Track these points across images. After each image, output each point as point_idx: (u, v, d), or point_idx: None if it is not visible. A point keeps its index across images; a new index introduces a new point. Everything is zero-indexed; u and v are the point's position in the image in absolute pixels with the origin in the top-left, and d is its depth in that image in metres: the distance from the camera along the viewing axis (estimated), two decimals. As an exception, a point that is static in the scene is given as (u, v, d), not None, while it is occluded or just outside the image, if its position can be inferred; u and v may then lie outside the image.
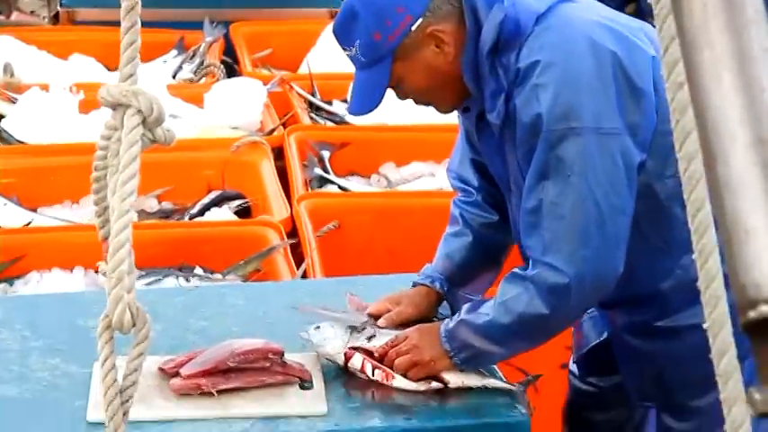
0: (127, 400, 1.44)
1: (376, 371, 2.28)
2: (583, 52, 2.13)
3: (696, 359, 2.31)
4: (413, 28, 2.18)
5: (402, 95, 2.29)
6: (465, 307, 2.29)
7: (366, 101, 2.25)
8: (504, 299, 2.21)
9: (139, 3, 1.47)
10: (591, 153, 2.12)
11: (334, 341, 2.32)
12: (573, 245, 2.14)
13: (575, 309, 2.24)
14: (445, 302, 2.46)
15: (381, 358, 2.30)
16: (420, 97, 2.29)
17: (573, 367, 2.64)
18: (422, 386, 2.26)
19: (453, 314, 2.39)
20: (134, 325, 1.44)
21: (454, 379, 2.27)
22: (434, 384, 2.26)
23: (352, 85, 2.28)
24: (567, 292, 2.16)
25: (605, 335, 2.46)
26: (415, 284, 2.48)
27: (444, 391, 2.26)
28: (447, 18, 2.20)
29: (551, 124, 2.12)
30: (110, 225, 1.44)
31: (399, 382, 2.27)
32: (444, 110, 2.34)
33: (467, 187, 2.50)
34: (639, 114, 2.15)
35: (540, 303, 2.17)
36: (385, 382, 2.27)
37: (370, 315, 2.42)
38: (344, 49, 2.24)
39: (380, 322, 2.40)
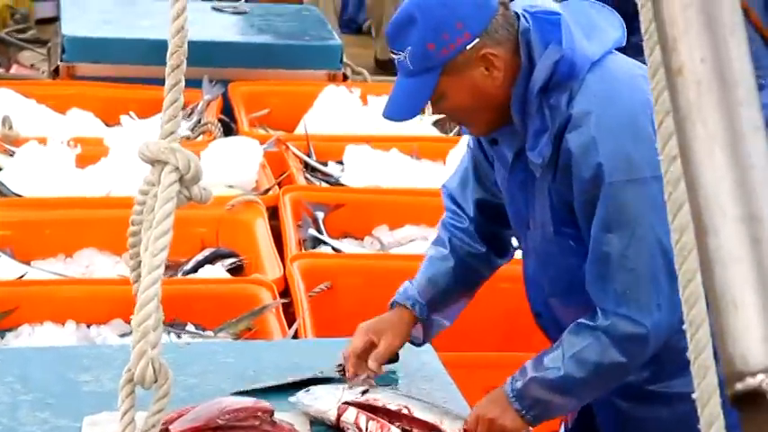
0: (144, 456, 1.45)
1: (371, 422, 2.28)
2: (635, 103, 2.17)
3: (683, 428, 2.33)
4: (468, 46, 2.19)
5: (439, 110, 2.31)
6: (529, 364, 2.28)
7: (404, 109, 2.25)
8: (573, 351, 2.22)
9: (184, 62, 1.50)
10: (655, 201, 2.12)
11: (325, 398, 2.33)
12: (647, 296, 2.18)
13: (650, 352, 2.25)
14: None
15: (374, 409, 2.29)
16: (457, 115, 2.31)
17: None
18: None
19: (424, 338, 2.47)
20: (155, 380, 1.45)
21: None
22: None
23: (392, 89, 2.26)
24: (645, 340, 2.19)
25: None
26: (394, 304, 2.49)
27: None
28: (502, 44, 2.21)
29: (613, 176, 2.15)
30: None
31: None
32: (477, 132, 2.35)
33: (458, 210, 2.52)
34: None
35: (615, 353, 2.20)
36: None
37: (345, 353, 2.44)
38: (393, 52, 2.24)
39: (370, 363, 2.41)
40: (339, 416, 2.29)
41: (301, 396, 2.33)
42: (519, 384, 2.27)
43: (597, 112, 2.17)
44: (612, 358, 2.20)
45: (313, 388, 2.36)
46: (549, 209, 2.27)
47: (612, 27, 2.29)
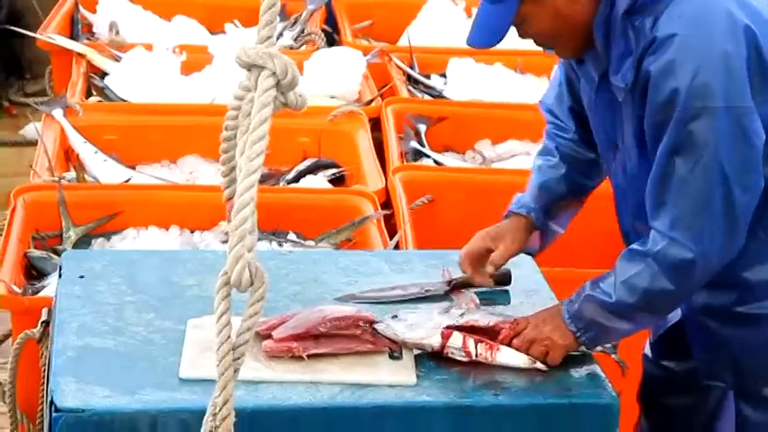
0: (238, 357, 1.46)
1: (479, 345, 2.25)
2: (722, 30, 2.13)
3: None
4: None
5: (524, 34, 2.27)
6: (585, 285, 2.28)
7: (487, 35, 2.24)
8: (625, 277, 2.22)
9: None
10: (725, 132, 2.13)
11: (423, 325, 2.28)
12: (701, 222, 2.16)
13: (699, 283, 2.25)
14: None
15: (477, 330, 2.27)
16: (542, 40, 2.29)
17: (647, 350, 2.63)
18: (527, 362, 2.25)
19: (541, 246, 2.47)
20: (251, 284, 1.45)
21: None
22: (540, 365, 2.24)
23: (475, 16, 2.26)
24: (692, 268, 2.19)
25: (680, 315, 2.45)
26: (509, 214, 2.50)
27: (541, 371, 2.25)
28: None
29: (688, 101, 2.12)
30: (235, 185, 1.45)
31: (504, 354, 2.25)
32: (563, 54, 2.35)
33: (558, 122, 2.52)
34: (764, 95, 2.16)
35: (664, 280, 2.19)
36: (489, 356, 2.24)
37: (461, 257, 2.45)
38: None
39: (488, 267, 2.44)
40: (444, 342, 2.25)
41: (393, 324, 2.28)
42: (575, 306, 2.27)
43: (681, 33, 2.13)
44: (662, 285, 2.19)
45: (402, 313, 2.32)
46: (632, 133, 2.25)
47: None
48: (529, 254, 2.55)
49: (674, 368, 2.56)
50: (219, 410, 1.47)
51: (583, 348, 2.28)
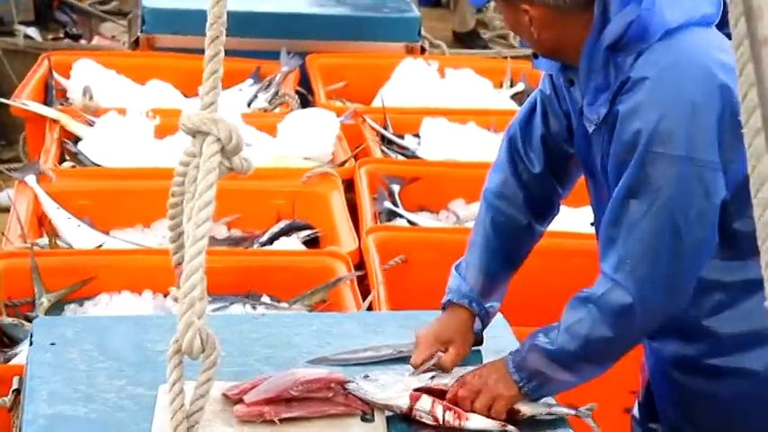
0: (193, 425, 1.46)
1: (447, 412, 2.24)
2: (695, 82, 2.13)
3: (740, 405, 2.30)
4: None
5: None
6: (529, 336, 2.29)
7: None
8: (567, 324, 2.22)
9: (224, 33, 1.50)
10: (682, 182, 2.13)
11: (393, 386, 2.28)
12: (645, 268, 2.16)
13: (638, 331, 2.25)
14: None
15: (452, 401, 2.27)
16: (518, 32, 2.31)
17: (635, 411, 2.62)
18: (497, 427, 2.24)
19: (482, 328, 2.44)
20: (203, 351, 1.45)
21: (525, 408, 2.26)
22: (510, 428, 2.23)
23: None
24: (632, 313, 2.17)
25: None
26: (449, 303, 2.46)
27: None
28: (553, 9, 2.18)
29: (650, 144, 2.12)
30: (183, 251, 1.46)
31: (473, 422, 2.24)
32: (537, 50, 2.32)
33: (509, 160, 2.48)
34: (736, 153, 2.13)
35: (604, 326, 2.19)
36: (457, 424, 2.23)
37: (415, 364, 2.40)
38: None
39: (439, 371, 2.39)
40: (412, 404, 2.25)
41: (363, 383, 2.28)
42: (520, 356, 2.27)
43: (653, 78, 2.14)
44: (601, 332, 2.19)
45: (373, 374, 2.32)
46: (600, 166, 2.26)
47: (706, 1, 2.23)
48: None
49: (660, 431, 2.53)
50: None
51: (536, 410, 2.27)
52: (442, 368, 2.39)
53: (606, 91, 2.20)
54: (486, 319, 2.49)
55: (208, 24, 1.47)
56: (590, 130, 2.25)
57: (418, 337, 2.44)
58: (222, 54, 1.46)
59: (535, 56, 2.35)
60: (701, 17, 2.21)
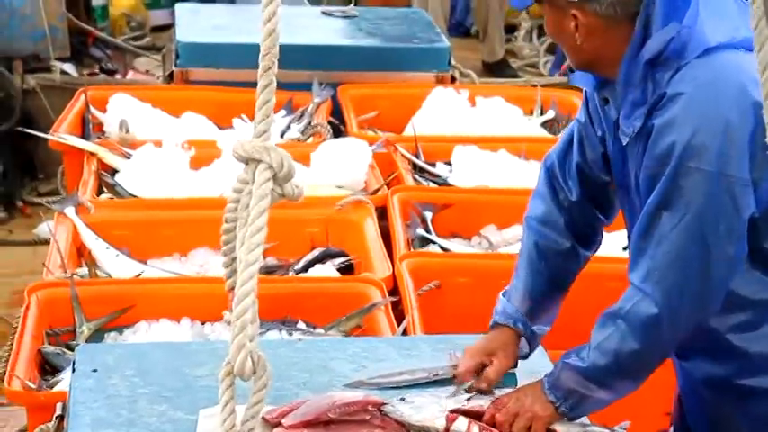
0: (245, 446, 1.49)
1: None
2: (730, 99, 2.16)
3: (766, 423, 2.31)
4: None
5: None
6: (562, 357, 2.31)
7: None
8: (597, 341, 2.25)
9: (276, 64, 1.54)
10: (713, 198, 2.15)
11: (429, 407, 2.30)
12: (673, 279, 2.18)
13: (666, 343, 2.27)
14: None
15: (489, 422, 2.29)
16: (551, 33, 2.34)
17: (671, 432, 2.63)
18: None
19: (531, 349, 2.46)
20: (254, 372, 1.49)
21: (561, 429, 2.28)
22: None
23: None
24: (659, 324, 2.20)
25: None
26: (496, 325, 2.50)
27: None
28: (604, 18, 2.22)
29: (683, 159, 2.15)
30: (236, 276, 1.50)
31: None
32: (569, 61, 2.36)
33: (549, 188, 2.52)
34: (767, 171, 2.17)
35: (632, 339, 2.21)
36: None
37: (459, 373, 2.43)
38: None
39: (483, 384, 2.42)
40: (448, 426, 2.27)
41: (399, 405, 2.31)
42: (554, 376, 2.30)
43: (689, 94, 2.17)
44: (630, 345, 2.21)
45: (409, 396, 2.35)
46: (635, 181, 2.28)
47: (747, 26, 2.25)
48: (521, 357, 2.53)
49: None
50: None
51: (572, 429, 2.28)
52: (485, 380, 2.41)
53: (643, 105, 2.23)
54: (533, 341, 2.52)
55: (261, 55, 1.51)
56: (624, 143, 2.28)
57: (465, 350, 2.49)
58: (275, 84, 1.50)
59: (571, 70, 2.39)
60: (742, 40, 2.23)
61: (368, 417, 2.30)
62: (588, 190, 2.50)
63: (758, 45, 1.20)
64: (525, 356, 2.53)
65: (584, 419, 2.32)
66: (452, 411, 2.30)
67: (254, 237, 1.47)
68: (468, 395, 2.37)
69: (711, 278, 2.20)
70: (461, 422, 2.28)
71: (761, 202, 2.19)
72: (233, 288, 1.58)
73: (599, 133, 2.43)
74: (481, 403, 2.34)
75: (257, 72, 1.55)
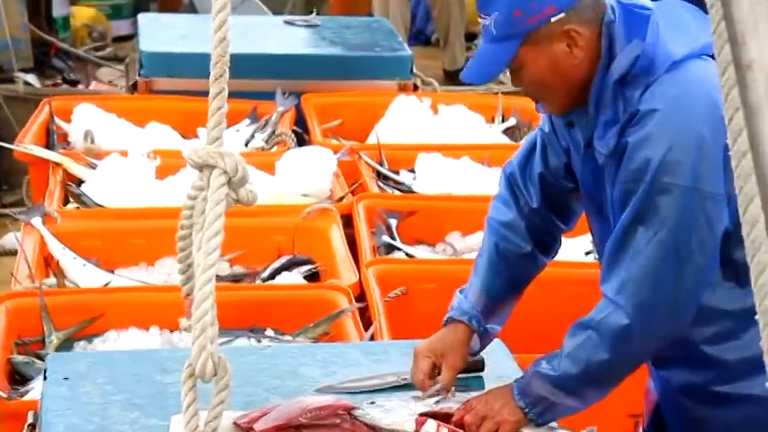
0: (207, 447, 1.51)
1: None
2: (701, 114, 2.19)
3: (753, 430, 2.35)
4: (553, 19, 2.22)
5: (518, 81, 2.31)
6: (533, 364, 2.35)
7: (482, 72, 2.30)
8: (569, 350, 2.28)
9: (227, 72, 1.57)
10: (687, 213, 2.19)
11: (399, 411, 2.33)
12: (646, 292, 2.21)
13: (637, 355, 2.30)
14: None
15: (457, 424, 2.32)
16: (534, 90, 2.32)
17: (640, 438, 2.67)
18: None
19: (481, 348, 2.49)
20: (215, 374, 1.51)
21: None
22: None
23: (474, 54, 2.32)
24: (630, 336, 2.23)
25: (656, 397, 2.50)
26: (450, 320, 2.52)
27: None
28: (588, 24, 2.25)
29: (658, 174, 2.18)
30: (193, 281, 1.52)
31: None
32: (551, 110, 2.38)
33: (510, 194, 2.54)
34: None
35: (603, 350, 2.24)
36: None
37: (417, 381, 2.45)
38: (481, 17, 2.28)
39: (443, 392, 2.43)
40: (417, 429, 2.29)
41: (369, 409, 2.33)
42: (524, 382, 2.32)
43: (662, 110, 2.20)
44: (601, 356, 2.24)
45: (379, 400, 2.37)
46: (610, 199, 2.31)
47: (705, 32, 2.30)
48: (470, 355, 2.53)
49: None
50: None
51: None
52: (444, 387, 2.43)
53: (615, 125, 2.25)
54: (484, 338, 2.53)
55: (212, 63, 1.54)
56: (600, 162, 2.30)
57: (415, 351, 2.50)
58: (226, 92, 1.53)
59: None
60: (702, 47, 2.26)
61: (338, 421, 2.32)
62: (549, 198, 2.53)
63: (717, 49, 1.24)
64: (475, 354, 2.55)
65: (552, 423, 2.36)
66: (422, 415, 2.32)
67: (210, 241, 1.49)
68: (436, 398, 2.40)
69: (684, 291, 2.23)
70: (430, 425, 2.30)
71: (733, 213, 2.20)
72: (189, 294, 1.60)
73: (563, 144, 2.46)
74: (450, 405, 2.37)
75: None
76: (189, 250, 1.64)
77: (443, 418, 2.33)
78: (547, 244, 2.58)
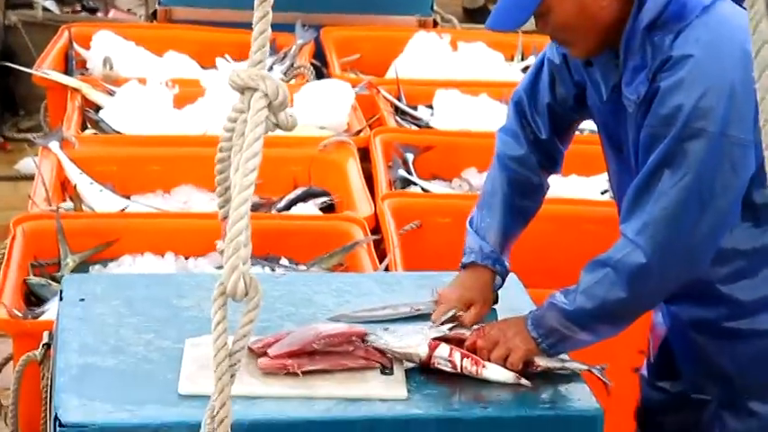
0: (234, 364, 1.52)
1: (465, 359, 2.30)
2: (735, 60, 2.19)
3: (760, 365, 2.38)
4: None
5: (543, 26, 2.30)
6: (548, 296, 2.36)
7: (508, 19, 2.27)
8: (585, 286, 2.29)
9: None
10: (715, 158, 2.20)
11: (412, 336, 2.35)
12: (667, 234, 2.22)
13: (653, 294, 2.32)
14: None
15: (470, 349, 2.34)
16: (561, 34, 2.31)
17: (644, 371, 2.68)
18: (512, 378, 2.30)
19: (501, 285, 2.51)
20: (246, 294, 1.52)
21: (540, 361, 2.33)
22: (524, 381, 2.30)
23: (497, 2, 2.28)
24: (648, 275, 2.24)
25: (665, 331, 2.52)
26: (470, 264, 2.52)
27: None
28: None
29: (690, 120, 2.19)
30: (230, 205, 1.52)
31: (490, 371, 2.31)
32: (577, 53, 2.36)
33: (523, 121, 2.54)
34: None
35: (620, 288, 2.25)
36: (474, 371, 2.30)
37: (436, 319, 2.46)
38: None
39: (464, 324, 2.45)
40: (431, 353, 2.32)
41: (383, 335, 2.35)
42: (538, 313, 2.34)
43: (696, 56, 2.20)
44: (617, 294, 2.25)
45: (392, 326, 2.39)
46: (633, 142, 2.31)
47: None
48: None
49: (669, 389, 2.60)
50: (217, 413, 1.53)
51: (551, 363, 2.33)
52: (461, 324, 2.45)
53: (643, 70, 2.25)
54: (505, 276, 2.56)
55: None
56: (629, 110, 2.30)
57: (440, 297, 2.51)
58: (270, 15, 1.51)
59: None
60: None
61: (351, 348, 2.34)
62: (555, 127, 2.55)
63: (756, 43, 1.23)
64: (495, 290, 2.57)
65: (564, 355, 2.38)
66: (434, 339, 2.34)
67: (248, 162, 1.49)
68: (450, 325, 2.42)
69: (704, 235, 2.24)
70: (443, 348, 2.32)
71: (758, 156, 2.21)
72: (226, 217, 1.60)
73: (576, 78, 2.46)
74: (463, 332, 2.39)
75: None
76: (227, 173, 1.63)
77: (457, 342, 2.35)
78: (551, 169, 2.62)
